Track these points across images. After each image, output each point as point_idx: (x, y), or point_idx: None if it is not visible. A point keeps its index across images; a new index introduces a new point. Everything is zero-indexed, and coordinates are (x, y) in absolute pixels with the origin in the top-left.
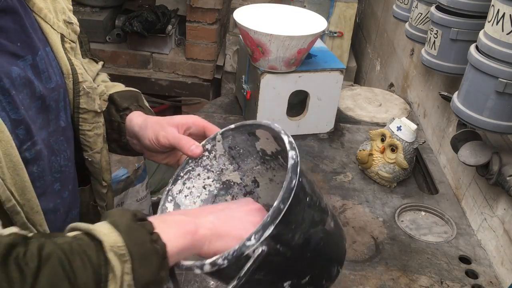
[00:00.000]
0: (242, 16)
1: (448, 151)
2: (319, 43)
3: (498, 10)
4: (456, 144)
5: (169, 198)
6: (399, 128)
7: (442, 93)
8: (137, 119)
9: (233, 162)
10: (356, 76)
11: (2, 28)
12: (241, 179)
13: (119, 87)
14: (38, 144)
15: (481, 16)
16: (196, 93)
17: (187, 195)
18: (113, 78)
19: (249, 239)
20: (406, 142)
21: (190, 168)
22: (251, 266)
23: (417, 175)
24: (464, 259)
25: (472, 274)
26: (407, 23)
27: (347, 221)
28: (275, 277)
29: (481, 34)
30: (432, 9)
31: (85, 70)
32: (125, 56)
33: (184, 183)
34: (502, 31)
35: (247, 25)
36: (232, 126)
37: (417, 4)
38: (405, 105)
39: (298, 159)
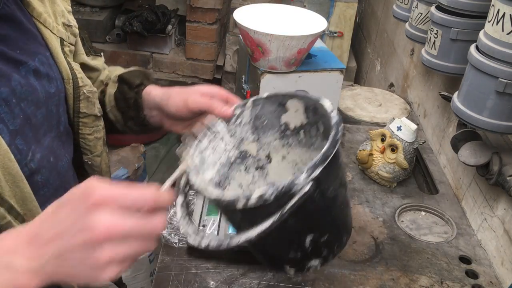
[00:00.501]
0: (242, 16)
1: (448, 151)
2: (319, 43)
3: (498, 10)
4: (456, 144)
5: (197, 151)
6: (399, 128)
7: (442, 93)
8: (156, 91)
9: (255, 132)
10: (356, 76)
11: (1, 36)
12: (257, 151)
13: (122, 69)
14: (41, 151)
15: (481, 16)
16: None
17: (210, 154)
18: None
19: (298, 177)
20: (406, 142)
21: (218, 128)
22: (294, 203)
23: (417, 175)
24: (464, 259)
25: (472, 274)
26: (407, 23)
27: None
28: (303, 226)
29: (481, 34)
30: (432, 9)
31: (92, 65)
32: (125, 56)
33: (210, 141)
34: (502, 31)
35: (247, 25)
36: (265, 94)
37: (417, 4)
38: (405, 105)
39: (340, 118)
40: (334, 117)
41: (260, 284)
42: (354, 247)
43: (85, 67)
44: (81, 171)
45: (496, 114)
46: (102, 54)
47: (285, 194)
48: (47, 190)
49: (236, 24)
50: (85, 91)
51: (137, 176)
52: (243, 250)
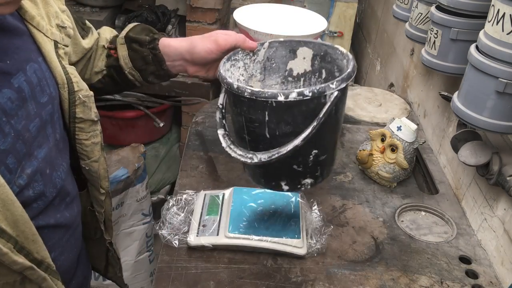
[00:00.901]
0: (242, 16)
1: (448, 151)
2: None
3: (498, 10)
4: (456, 144)
5: (222, 69)
6: (399, 128)
7: (442, 93)
8: (176, 42)
9: (263, 72)
10: (356, 76)
11: None
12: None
13: (112, 30)
14: (33, 166)
15: (481, 16)
16: (196, 93)
17: (230, 77)
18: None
19: (332, 83)
20: (406, 142)
21: (238, 57)
22: (328, 107)
23: (417, 175)
24: (464, 259)
25: (472, 274)
26: (407, 23)
27: (347, 221)
28: (315, 139)
29: (481, 34)
30: (432, 9)
31: (90, 46)
32: None
33: (231, 65)
34: (502, 31)
35: (247, 25)
36: (282, 39)
37: (417, 4)
38: (405, 105)
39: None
40: (348, 54)
41: (260, 284)
42: (354, 247)
43: (88, 50)
44: (79, 176)
45: (496, 114)
46: (88, 23)
47: (320, 94)
48: (41, 203)
49: (236, 24)
50: (80, 95)
51: (137, 176)
52: (243, 250)
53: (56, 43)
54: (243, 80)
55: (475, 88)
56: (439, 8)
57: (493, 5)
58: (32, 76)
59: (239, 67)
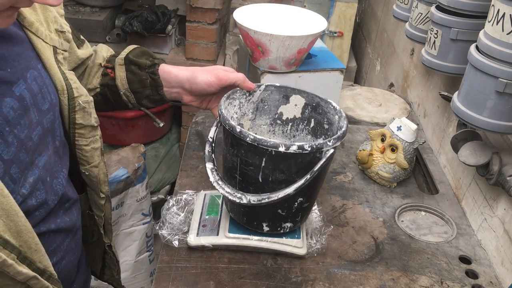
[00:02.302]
0: (242, 16)
1: (448, 151)
2: (319, 43)
3: (498, 10)
4: (456, 144)
5: (223, 107)
6: (399, 128)
7: (442, 93)
8: (176, 70)
9: (255, 112)
10: (356, 76)
11: None
12: (248, 129)
13: (109, 49)
14: (35, 174)
15: (481, 16)
16: None
17: (226, 114)
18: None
19: (329, 141)
20: (406, 142)
21: (235, 96)
22: (323, 163)
23: (417, 175)
24: (464, 259)
25: (472, 274)
26: (407, 23)
27: (347, 221)
28: (304, 188)
29: (481, 34)
30: (432, 9)
31: (86, 56)
32: None
33: (228, 104)
34: (502, 31)
35: (247, 25)
36: (277, 84)
37: (417, 4)
38: (405, 105)
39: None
40: (343, 112)
41: (260, 284)
42: (354, 247)
43: (82, 62)
44: (78, 180)
45: (496, 114)
46: (84, 39)
47: (317, 150)
48: (43, 210)
49: (236, 24)
50: (80, 101)
51: (137, 176)
52: (243, 250)
53: (55, 48)
54: (236, 117)
55: (475, 88)
56: (439, 8)
57: (493, 5)
58: (33, 83)
59: (235, 105)
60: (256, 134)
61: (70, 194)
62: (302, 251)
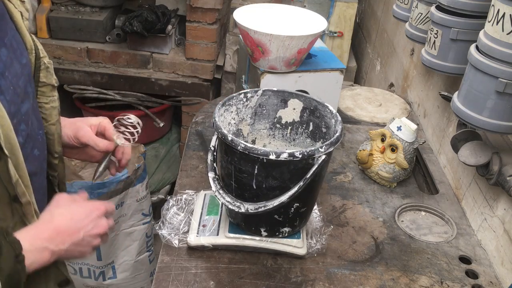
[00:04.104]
0: (242, 16)
1: (448, 151)
2: (319, 43)
3: (498, 10)
4: (456, 144)
5: (217, 114)
6: (399, 128)
7: (442, 93)
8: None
9: (253, 117)
10: (356, 76)
11: None
12: (247, 134)
13: None
14: (23, 115)
15: (481, 16)
16: (196, 93)
17: (222, 121)
18: (113, 78)
19: (321, 147)
20: (406, 142)
21: (232, 102)
22: (315, 170)
23: (417, 175)
24: (464, 259)
25: (472, 274)
26: (407, 23)
27: (347, 221)
28: (299, 194)
29: (481, 34)
30: (432, 9)
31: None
32: (125, 56)
33: (225, 110)
34: (502, 31)
35: (247, 25)
36: (275, 88)
37: (417, 4)
38: (405, 105)
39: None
40: (337, 115)
41: (260, 284)
42: (354, 247)
43: None
44: None
45: (496, 114)
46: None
47: (309, 156)
48: (27, 149)
49: (236, 24)
50: (45, 61)
51: (137, 176)
52: (243, 250)
53: (21, 14)
54: (234, 123)
55: (475, 88)
56: (439, 8)
57: (493, 5)
58: (12, 40)
59: (232, 111)
60: (256, 138)
61: (43, 144)
62: (302, 251)
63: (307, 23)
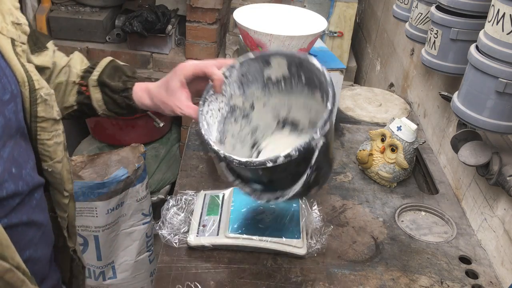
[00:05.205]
0: (242, 16)
1: (448, 151)
2: (319, 43)
3: (498, 10)
4: (456, 144)
5: (202, 117)
6: (399, 128)
7: (442, 93)
8: (146, 100)
9: (241, 87)
10: (356, 76)
11: None
12: (242, 103)
13: (81, 62)
14: (1, 165)
15: (481, 16)
16: None
17: (211, 116)
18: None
19: (315, 132)
20: (406, 142)
21: (212, 92)
22: (318, 156)
23: (417, 175)
24: (464, 259)
25: (472, 274)
26: (407, 23)
27: (347, 221)
28: (318, 167)
29: (481, 34)
30: (432, 9)
31: (38, 64)
32: (125, 56)
33: (208, 105)
34: (502, 31)
35: (247, 25)
36: (252, 56)
37: (417, 4)
38: (405, 105)
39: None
40: (327, 75)
41: (260, 284)
42: (354, 247)
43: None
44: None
45: (496, 114)
46: (47, 45)
47: (306, 149)
48: (17, 199)
49: (236, 24)
50: (42, 94)
51: (137, 176)
52: (243, 250)
53: (13, 40)
54: (224, 104)
55: (475, 88)
56: (439, 8)
57: (493, 5)
58: None
59: (216, 98)
60: (253, 101)
61: (39, 182)
62: (302, 251)
63: (307, 23)
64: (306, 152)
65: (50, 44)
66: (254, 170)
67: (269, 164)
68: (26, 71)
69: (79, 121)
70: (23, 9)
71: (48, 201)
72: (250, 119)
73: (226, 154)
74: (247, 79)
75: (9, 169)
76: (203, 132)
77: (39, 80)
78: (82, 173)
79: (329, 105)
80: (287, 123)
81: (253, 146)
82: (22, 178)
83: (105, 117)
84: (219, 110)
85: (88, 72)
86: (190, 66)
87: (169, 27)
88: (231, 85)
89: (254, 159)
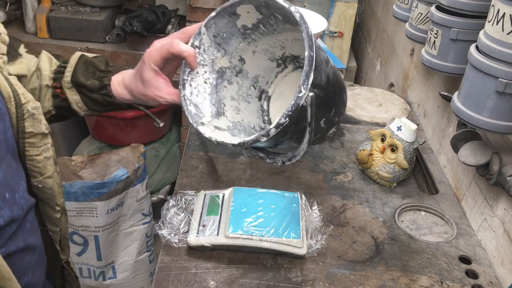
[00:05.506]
0: None
1: (448, 151)
2: (319, 43)
3: (498, 10)
4: (456, 144)
5: (187, 102)
6: (399, 128)
7: (442, 93)
8: (125, 95)
9: (220, 48)
10: (356, 76)
11: None
12: (229, 62)
13: (50, 61)
14: None
15: (481, 16)
16: None
17: (197, 94)
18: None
19: (299, 91)
20: (406, 142)
21: (189, 69)
22: (312, 111)
23: (417, 175)
24: (464, 259)
25: (472, 274)
26: (407, 23)
27: (347, 221)
28: (318, 118)
29: (481, 34)
30: (432, 9)
31: (15, 73)
32: (125, 56)
33: (190, 85)
34: (502, 31)
35: None
36: (213, 13)
37: (417, 4)
38: (405, 105)
39: (299, 11)
40: (296, 13)
41: (260, 284)
42: (354, 247)
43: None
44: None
45: (496, 114)
46: (20, 51)
47: (295, 110)
48: (14, 225)
49: None
50: (29, 108)
51: (137, 176)
52: (243, 250)
53: None
54: (209, 73)
55: (475, 88)
56: (439, 8)
57: (493, 5)
58: None
59: (197, 72)
60: (241, 56)
61: (31, 204)
62: (302, 251)
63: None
64: (297, 113)
65: (22, 49)
66: (252, 145)
67: (263, 139)
68: (11, 85)
69: (78, 121)
70: (23, 9)
71: (37, 215)
72: (246, 73)
73: (219, 139)
74: (222, 38)
75: (3, 195)
76: (190, 120)
77: (24, 94)
78: (82, 173)
79: (306, 52)
80: (287, 61)
81: (260, 97)
82: (16, 203)
83: (89, 116)
84: (205, 82)
85: (59, 72)
86: (156, 52)
87: (169, 27)
88: (208, 51)
89: (247, 138)
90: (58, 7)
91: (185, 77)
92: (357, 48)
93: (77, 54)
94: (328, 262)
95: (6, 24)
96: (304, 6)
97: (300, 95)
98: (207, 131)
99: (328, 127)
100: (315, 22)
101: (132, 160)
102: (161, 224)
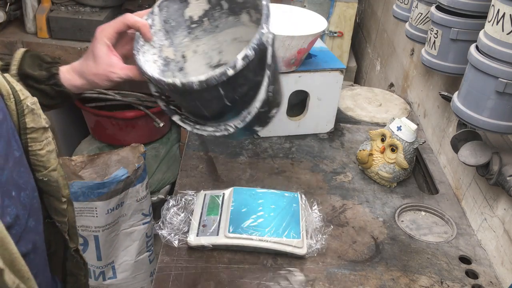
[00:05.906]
0: None
1: (448, 151)
2: (319, 43)
3: (498, 10)
4: (456, 144)
5: (141, 64)
6: (399, 128)
7: (442, 93)
8: (76, 82)
9: (168, 37)
10: (356, 76)
11: None
12: (174, 54)
13: None
14: (1, 190)
15: (481, 16)
16: None
17: (149, 67)
18: None
19: (262, 28)
20: (406, 142)
21: (142, 42)
22: (273, 52)
23: (417, 175)
24: (464, 259)
25: (472, 274)
26: (407, 23)
27: (347, 221)
28: (274, 74)
29: (481, 34)
30: (432, 9)
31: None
32: None
33: (143, 55)
34: (502, 31)
35: None
36: None
37: (417, 4)
38: (405, 105)
39: None
40: None
41: (260, 284)
42: (354, 247)
43: None
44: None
45: (496, 114)
46: None
47: (260, 45)
48: (18, 228)
49: None
50: (28, 103)
51: (137, 176)
52: (243, 250)
53: None
54: (158, 56)
55: (475, 88)
56: (439, 8)
57: (493, 5)
58: None
59: (148, 49)
60: (184, 52)
61: (36, 205)
62: (302, 251)
63: (307, 23)
64: (260, 50)
65: None
66: (215, 90)
67: (230, 72)
68: (8, 82)
69: (78, 121)
70: (23, 9)
71: (42, 208)
72: (186, 73)
73: (184, 80)
74: (171, 25)
75: (9, 193)
76: (145, 69)
77: (22, 90)
78: (82, 173)
79: (263, 1)
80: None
81: None
82: (20, 202)
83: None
84: (154, 62)
85: (5, 70)
86: (108, 26)
87: None
88: (158, 35)
89: (215, 71)
90: (58, 7)
91: (139, 47)
92: (357, 48)
93: (22, 49)
94: (328, 262)
95: (6, 24)
96: (304, 6)
97: (263, 31)
98: (167, 77)
99: (273, 99)
100: (315, 22)
101: (132, 160)
102: (161, 224)
